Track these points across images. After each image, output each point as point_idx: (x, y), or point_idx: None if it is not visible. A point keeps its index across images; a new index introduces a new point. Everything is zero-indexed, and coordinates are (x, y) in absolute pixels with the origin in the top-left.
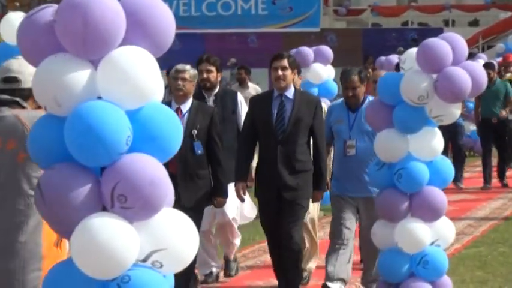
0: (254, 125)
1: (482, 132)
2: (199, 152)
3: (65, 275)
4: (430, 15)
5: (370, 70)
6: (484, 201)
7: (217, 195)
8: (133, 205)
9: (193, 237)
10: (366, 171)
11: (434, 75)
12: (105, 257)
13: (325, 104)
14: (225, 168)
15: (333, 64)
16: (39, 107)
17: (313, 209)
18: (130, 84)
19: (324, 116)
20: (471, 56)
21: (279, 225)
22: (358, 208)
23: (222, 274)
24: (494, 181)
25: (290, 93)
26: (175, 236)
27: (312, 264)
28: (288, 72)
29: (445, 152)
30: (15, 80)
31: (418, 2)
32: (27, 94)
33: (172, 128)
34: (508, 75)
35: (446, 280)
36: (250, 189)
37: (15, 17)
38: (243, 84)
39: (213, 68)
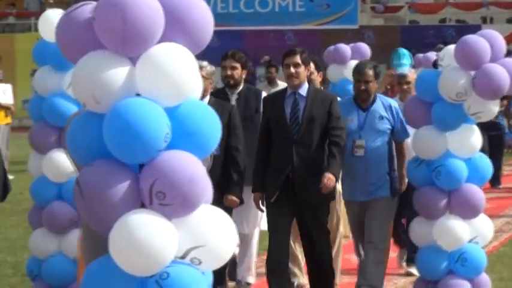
0: (269, 125)
1: None
2: (215, 152)
3: (104, 271)
4: (468, 12)
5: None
6: None
7: (228, 192)
8: (172, 202)
9: (231, 234)
10: (375, 173)
11: (473, 72)
12: (144, 253)
13: None
14: (243, 170)
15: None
16: None
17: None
18: (169, 81)
19: None
20: (509, 53)
21: (300, 234)
22: (365, 211)
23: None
24: None
25: (304, 90)
26: (214, 232)
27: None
28: (301, 69)
29: (483, 150)
30: None
31: None
32: None
33: (210, 124)
34: None
35: (485, 278)
36: None
37: (54, 15)
38: (272, 83)
39: (237, 65)
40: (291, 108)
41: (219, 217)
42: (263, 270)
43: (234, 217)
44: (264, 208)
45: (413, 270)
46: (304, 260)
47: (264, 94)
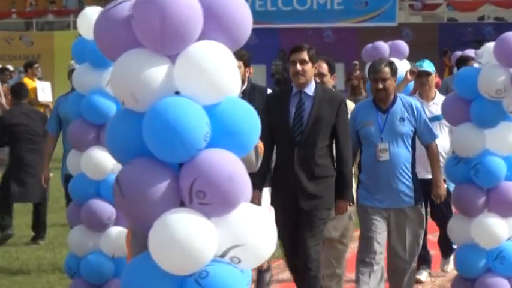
0: (270, 126)
1: None
2: None
3: (144, 269)
4: (506, 10)
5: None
6: None
7: None
8: (212, 201)
9: (271, 233)
10: (400, 179)
11: None
12: (184, 253)
13: (352, 104)
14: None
15: (409, 59)
16: None
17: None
18: (208, 80)
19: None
20: None
21: (298, 238)
22: (388, 221)
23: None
24: None
25: (310, 89)
26: (254, 231)
27: None
28: (308, 66)
29: None
30: None
31: None
32: None
33: (250, 122)
34: None
35: None
36: None
37: (92, 12)
38: None
39: (240, 63)
40: (295, 108)
41: (259, 216)
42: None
43: None
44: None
45: (422, 276)
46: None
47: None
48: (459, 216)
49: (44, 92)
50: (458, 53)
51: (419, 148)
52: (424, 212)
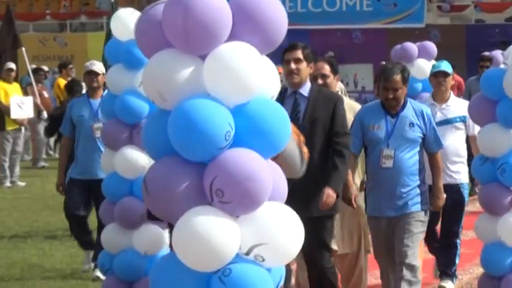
0: None
1: None
2: None
3: (169, 266)
4: None
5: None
6: None
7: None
8: (230, 200)
9: (297, 232)
10: (404, 186)
11: None
12: (206, 249)
13: (357, 104)
14: None
15: (437, 60)
16: None
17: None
18: (236, 79)
19: (351, 117)
20: None
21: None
22: (393, 228)
23: None
24: None
25: (305, 90)
26: (279, 230)
27: None
28: (303, 65)
29: None
30: None
31: None
32: None
33: (279, 122)
34: None
35: None
36: None
37: (125, 14)
38: None
39: None
40: (291, 110)
41: (285, 215)
42: None
43: None
44: None
45: (448, 284)
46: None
47: None
48: (486, 215)
49: None
50: (486, 54)
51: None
52: (426, 220)
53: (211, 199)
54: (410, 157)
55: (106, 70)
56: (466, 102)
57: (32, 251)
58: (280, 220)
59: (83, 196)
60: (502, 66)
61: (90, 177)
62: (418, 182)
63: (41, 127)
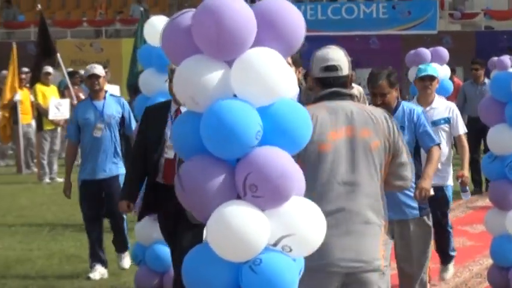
0: None
1: None
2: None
3: (202, 257)
4: None
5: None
6: None
7: None
8: (264, 194)
9: (320, 224)
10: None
11: None
12: (238, 241)
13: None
14: None
15: (449, 64)
16: None
17: None
18: (262, 83)
19: None
20: None
21: None
22: (393, 232)
23: None
24: None
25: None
26: (304, 222)
27: None
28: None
29: None
30: (335, 68)
31: None
32: (344, 81)
33: (301, 122)
34: None
35: None
36: None
37: (157, 21)
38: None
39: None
40: None
41: (309, 208)
42: None
43: None
44: None
45: (448, 274)
46: None
47: None
48: (495, 210)
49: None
50: (495, 59)
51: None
52: (430, 223)
53: (244, 194)
54: None
55: (135, 73)
56: (449, 103)
57: (69, 242)
58: (305, 212)
59: (97, 196)
60: (510, 70)
61: (100, 176)
62: (413, 186)
63: None
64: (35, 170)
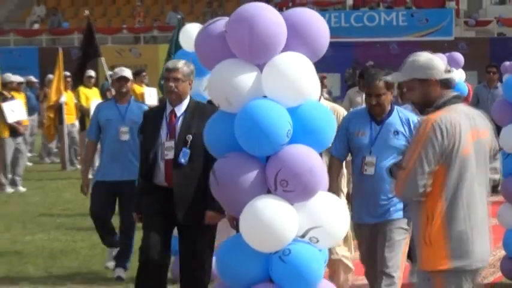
0: None
1: None
2: (183, 160)
3: (235, 248)
4: None
5: None
6: None
7: (209, 208)
8: (294, 189)
9: (344, 218)
10: (386, 194)
11: None
12: (269, 233)
13: (343, 110)
14: None
15: (464, 68)
16: None
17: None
18: (291, 85)
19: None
20: None
21: None
22: (376, 237)
23: None
24: None
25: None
26: (330, 215)
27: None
28: None
29: None
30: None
31: None
32: None
33: (326, 122)
34: None
35: None
36: None
37: (192, 28)
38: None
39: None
40: None
41: (334, 202)
42: None
43: (218, 234)
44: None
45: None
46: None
47: None
48: (507, 205)
49: (150, 96)
50: (507, 63)
51: None
52: (409, 228)
53: (275, 188)
54: None
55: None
56: None
57: None
58: (330, 206)
59: (108, 198)
60: None
61: (116, 179)
62: None
63: None
64: (79, 166)
